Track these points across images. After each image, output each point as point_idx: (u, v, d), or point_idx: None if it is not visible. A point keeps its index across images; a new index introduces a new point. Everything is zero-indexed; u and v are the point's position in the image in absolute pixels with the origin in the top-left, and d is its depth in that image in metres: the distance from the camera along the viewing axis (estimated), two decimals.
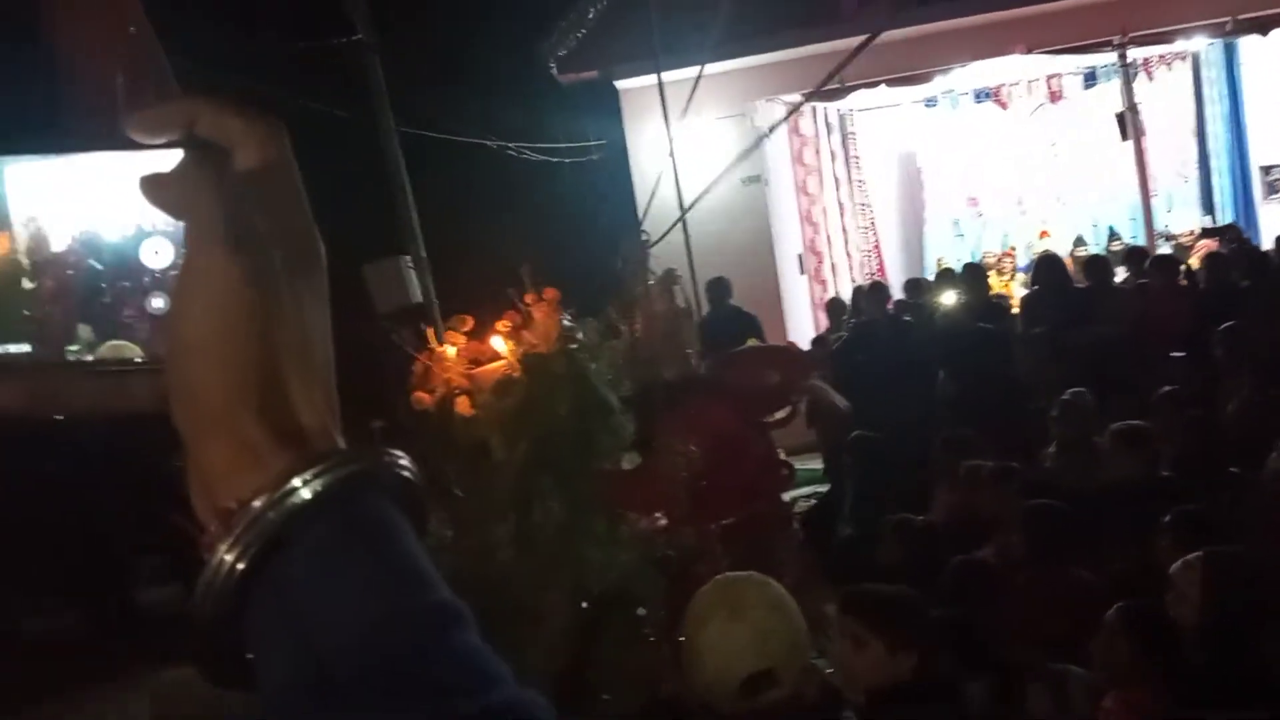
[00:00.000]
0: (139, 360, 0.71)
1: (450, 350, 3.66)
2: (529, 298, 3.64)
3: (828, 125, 13.51)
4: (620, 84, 10.94)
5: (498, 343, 3.59)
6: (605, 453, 3.75)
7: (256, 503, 0.55)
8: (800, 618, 2.21)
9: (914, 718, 2.55)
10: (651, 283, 5.01)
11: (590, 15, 10.52)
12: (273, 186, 0.60)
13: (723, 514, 4.13)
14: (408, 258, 6.60)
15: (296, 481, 0.55)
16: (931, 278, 10.56)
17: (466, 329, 3.69)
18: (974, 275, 7.71)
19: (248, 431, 0.56)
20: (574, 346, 3.60)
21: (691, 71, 10.21)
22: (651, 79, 10.00)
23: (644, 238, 5.32)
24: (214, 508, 0.57)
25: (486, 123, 10.67)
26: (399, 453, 0.60)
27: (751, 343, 6.23)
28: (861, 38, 10.42)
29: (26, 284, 0.72)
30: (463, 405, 3.55)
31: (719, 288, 8.75)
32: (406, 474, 0.60)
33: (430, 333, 3.50)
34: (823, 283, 12.53)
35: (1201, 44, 12.43)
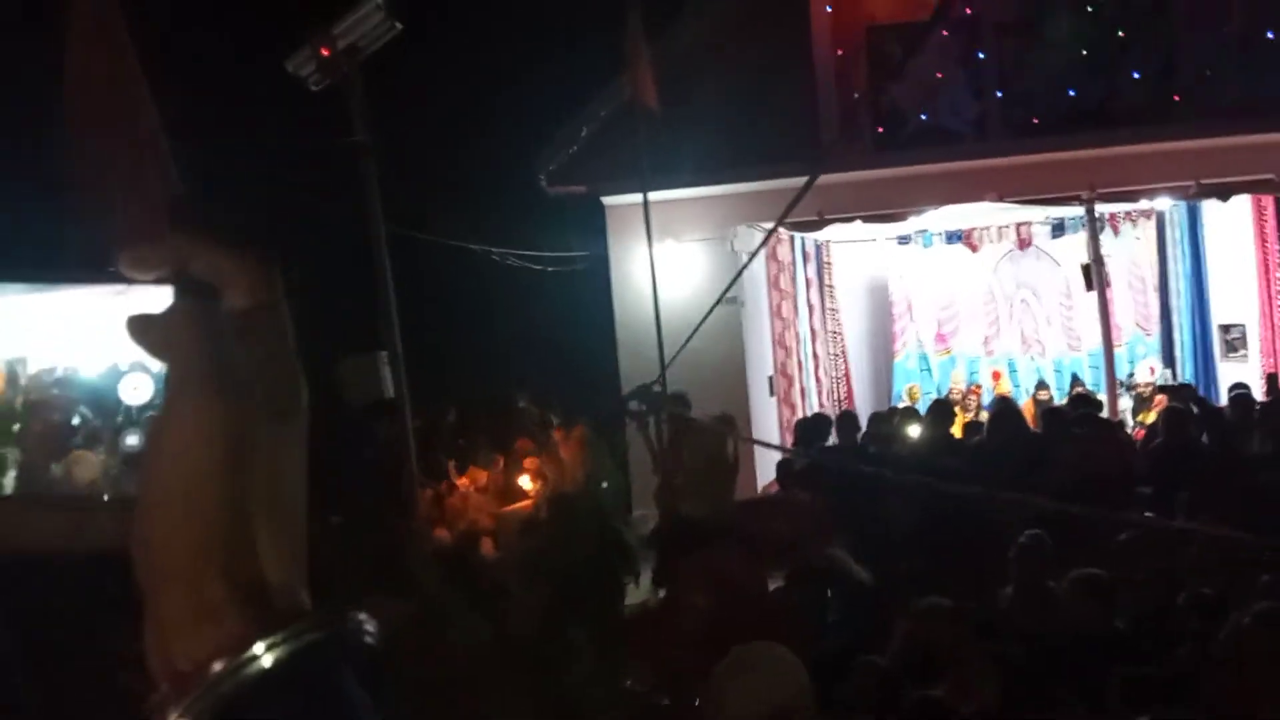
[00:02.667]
0: (104, 495, 0.68)
1: (467, 485, 3.66)
2: (558, 434, 3.68)
3: (804, 253, 13.87)
4: (607, 200, 11.23)
5: (524, 481, 3.60)
6: (622, 592, 3.72)
7: (215, 666, 0.53)
8: (803, 672, 2.68)
9: None
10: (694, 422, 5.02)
11: (582, 133, 10.86)
12: (261, 328, 0.59)
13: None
14: (384, 353, 6.65)
15: (258, 648, 0.53)
16: (900, 408, 10.74)
17: (497, 468, 3.70)
18: (939, 410, 7.84)
19: (210, 587, 0.54)
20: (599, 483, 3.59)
21: (675, 193, 10.53)
22: (636, 197, 10.28)
23: (655, 388, 5.38)
24: (168, 666, 0.54)
25: (474, 228, 10.90)
26: (363, 616, 0.58)
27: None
28: (841, 175, 10.82)
29: (14, 427, 0.70)
30: (487, 547, 3.52)
31: (678, 403, 8.88)
32: (369, 639, 0.57)
33: (452, 466, 3.50)
34: (792, 406, 12.66)
35: (1166, 204, 12.96)
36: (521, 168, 11.18)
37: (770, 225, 11.82)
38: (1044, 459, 7.20)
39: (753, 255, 6.93)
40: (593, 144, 10.86)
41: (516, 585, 3.51)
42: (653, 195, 10.28)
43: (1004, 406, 8.14)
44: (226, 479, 0.55)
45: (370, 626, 0.58)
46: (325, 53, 6.02)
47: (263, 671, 0.53)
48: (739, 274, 5.73)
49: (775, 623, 3.92)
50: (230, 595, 0.54)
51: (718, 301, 5.28)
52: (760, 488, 11.03)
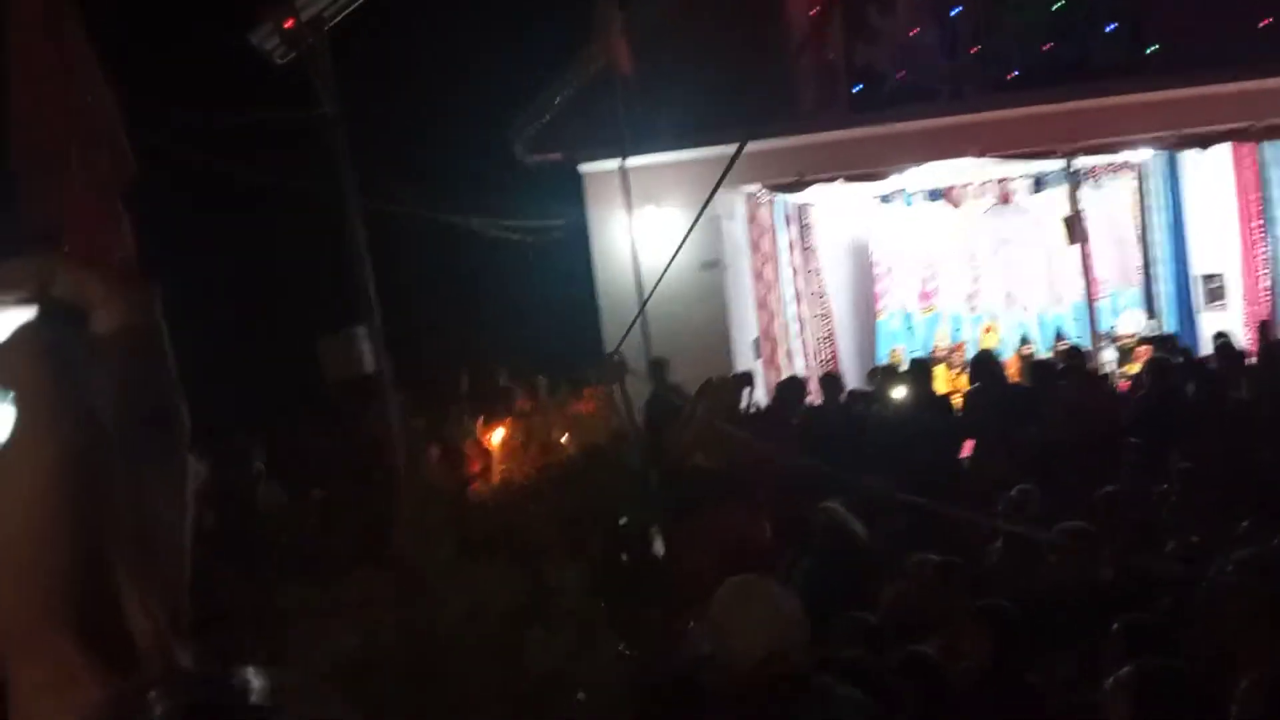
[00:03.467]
0: None
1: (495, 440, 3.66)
2: (588, 391, 3.71)
3: (786, 216, 13.81)
4: (584, 168, 11.13)
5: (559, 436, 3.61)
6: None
7: None
8: (799, 612, 2.77)
9: None
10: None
11: (557, 100, 10.74)
12: (131, 355, 0.54)
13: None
14: (363, 329, 6.60)
15: None
16: (881, 366, 10.75)
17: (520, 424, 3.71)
18: (920, 370, 7.84)
19: (64, 650, 0.47)
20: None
21: (653, 158, 10.44)
22: (614, 164, 10.18)
23: (618, 358, 5.41)
24: None
25: (450, 198, 10.79)
26: (248, 673, 0.51)
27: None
28: (819, 135, 10.76)
29: None
30: (521, 495, 3.51)
31: (658, 369, 8.89)
32: (254, 698, 0.51)
33: (480, 424, 3.50)
34: (777, 368, 12.65)
35: (1145, 155, 12.94)
36: (497, 137, 11.05)
37: (750, 188, 11.78)
38: (1031, 411, 7.22)
39: (699, 216, 6.73)
40: (568, 111, 10.74)
41: (557, 538, 3.55)
42: (630, 161, 10.20)
43: (983, 356, 8.16)
44: (76, 522, 0.48)
45: (255, 682, 0.51)
46: (289, 25, 5.91)
47: None
48: (687, 235, 5.60)
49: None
50: (89, 656, 0.47)
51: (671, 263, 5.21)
52: None
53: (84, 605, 0.47)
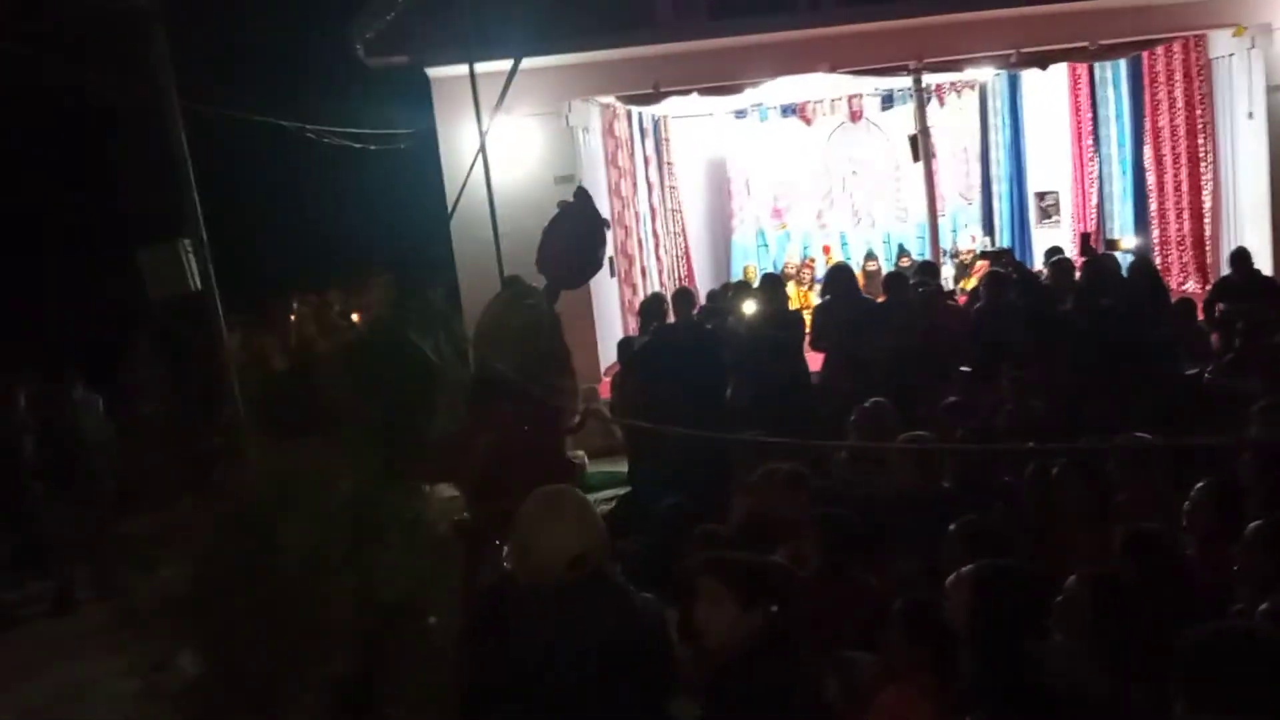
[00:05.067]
0: None
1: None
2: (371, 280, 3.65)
3: (642, 129, 13.64)
4: (432, 72, 10.63)
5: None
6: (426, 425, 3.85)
7: None
8: (599, 519, 2.99)
9: (759, 672, 2.88)
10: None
11: None
12: None
13: (507, 502, 4.21)
14: (187, 241, 6.13)
15: None
16: (734, 282, 10.82)
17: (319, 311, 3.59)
18: (771, 285, 7.90)
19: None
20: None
21: (506, 64, 10.03)
22: (464, 69, 9.74)
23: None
24: None
25: (285, 103, 10.13)
26: None
27: None
28: (676, 45, 10.57)
29: None
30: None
31: (513, 285, 8.68)
32: None
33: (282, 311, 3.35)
34: (633, 286, 12.61)
35: (988, 74, 13.30)
36: (336, 36, 10.41)
37: (605, 99, 11.54)
38: (881, 324, 7.37)
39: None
40: (414, 10, 10.19)
41: (343, 402, 3.58)
42: (481, 67, 9.78)
43: (839, 269, 8.28)
44: None
45: None
46: None
47: None
48: None
49: (559, 474, 4.05)
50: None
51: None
52: (603, 369, 11.02)
53: None
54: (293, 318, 7.81)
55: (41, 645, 6.52)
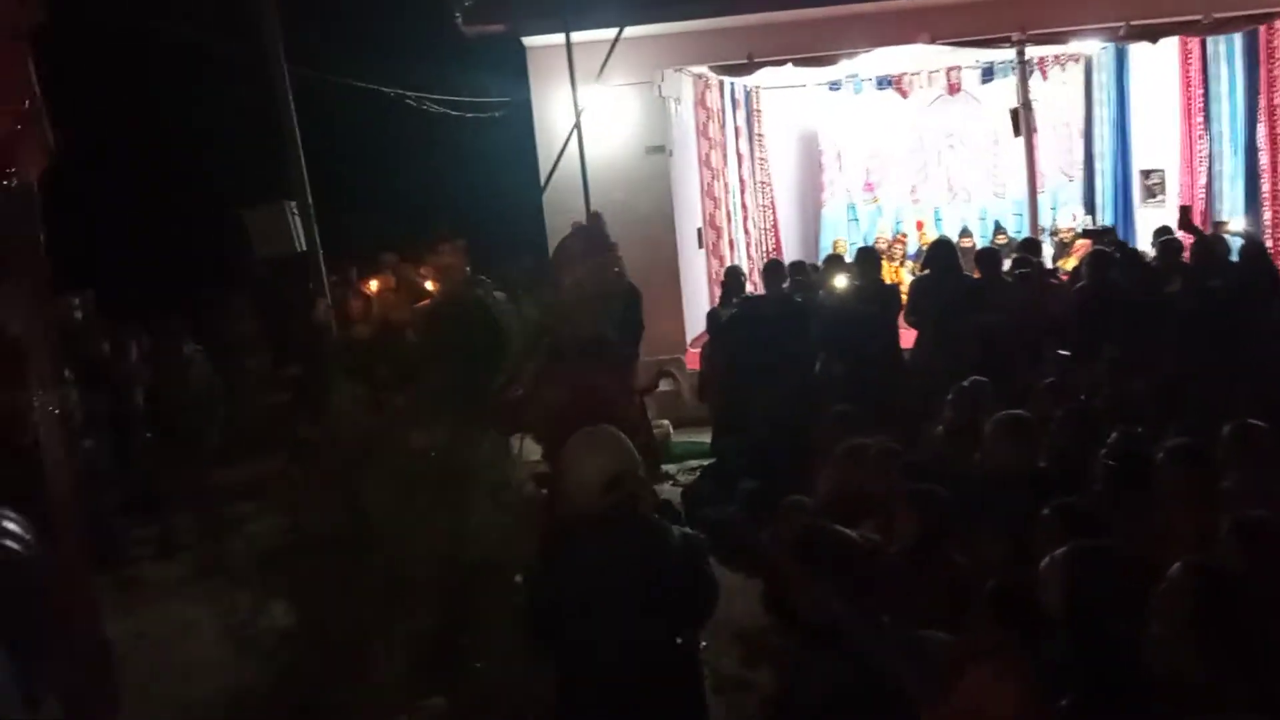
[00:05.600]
0: None
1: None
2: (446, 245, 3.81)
3: (734, 100, 13.52)
4: (528, 41, 10.70)
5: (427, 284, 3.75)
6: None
7: None
8: (633, 449, 3.24)
9: (844, 645, 2.89)
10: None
11: None
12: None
13: None
14: (293, 203, 6.28)
15: None
16: (828, 256, 10.69)
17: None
18: (865, 259, 7.79)
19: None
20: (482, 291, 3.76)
21: (601, 34, 10.05)
22: (559, 38, 9.79)
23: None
24: None
25: (386, 70, 10.28)
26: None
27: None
28: (771, 15, 10.44)
29: None
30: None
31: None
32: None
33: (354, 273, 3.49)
34: (720, 258, 12.56)
35: (1095, 47, 12.83)
36: (436, 5, 10.51)
37: (698, 69, 11.47)
38: (979, 301, 7.23)
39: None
40: None
41: (420, 370, 3.81)
42: (576, 36, 9.81)
43: (942, 243, 8.13)
44: None
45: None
46: None
47: None
48: None
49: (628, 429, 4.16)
50: None
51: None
52: (689, 339, 11.02)
53: None
54: (374, 282, 8.05)
55: (149, 585, 6.86)
